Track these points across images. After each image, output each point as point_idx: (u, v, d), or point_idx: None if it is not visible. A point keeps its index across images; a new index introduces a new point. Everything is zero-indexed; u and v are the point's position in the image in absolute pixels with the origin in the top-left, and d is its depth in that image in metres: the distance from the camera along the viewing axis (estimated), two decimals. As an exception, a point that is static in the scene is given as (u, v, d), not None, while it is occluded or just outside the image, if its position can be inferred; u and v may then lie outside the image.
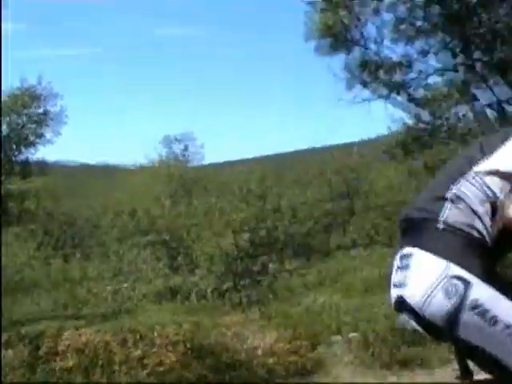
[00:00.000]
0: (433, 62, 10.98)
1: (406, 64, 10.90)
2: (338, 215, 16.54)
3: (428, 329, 1.96)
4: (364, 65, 10.83)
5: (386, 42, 10.87)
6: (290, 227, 15.18)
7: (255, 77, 72.12)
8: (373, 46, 10.94)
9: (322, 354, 8.04)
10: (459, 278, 1.87)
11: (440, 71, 10.96)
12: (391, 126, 11.37)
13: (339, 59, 11.06)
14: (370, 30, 10.99)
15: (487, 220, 1.94)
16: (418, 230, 2.02)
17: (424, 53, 10.85)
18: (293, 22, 58.00)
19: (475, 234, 1.92)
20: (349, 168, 19.38)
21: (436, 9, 10.54)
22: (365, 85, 10.89)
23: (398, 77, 10.79)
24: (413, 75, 10.94)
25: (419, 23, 10.61)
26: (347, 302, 10.10)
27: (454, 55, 10.65)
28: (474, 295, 1.85)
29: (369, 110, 10.81)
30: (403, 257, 2.05)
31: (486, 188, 1.96)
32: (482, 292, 1.86)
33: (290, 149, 35.57)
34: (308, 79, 59.85)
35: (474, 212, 1.94)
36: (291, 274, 13.48)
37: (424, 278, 1.92)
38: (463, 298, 1.86)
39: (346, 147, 25.11)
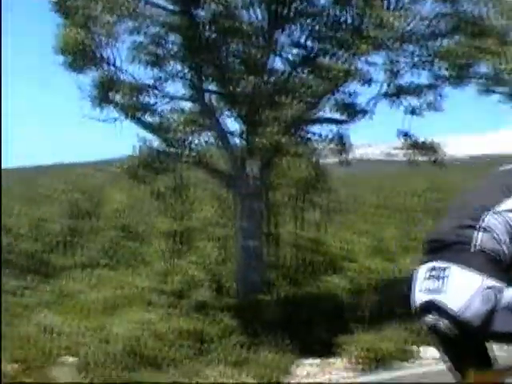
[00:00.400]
0: (175, 88, 11.32)
1: (147, 88, 11.06)
2: (71, 235, 16.04)
3: (461, 326, 2.58)
4: (103, 85, 10.78)
5: (130, 65, 10.94)
6: (21, 245, 14.39)
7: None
8: (113, 67, 10.94)
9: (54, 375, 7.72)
10: (493, 287, 2.54)
11: (182, 98, 11.36)
12: (134, 146, 11.36)
13: (88, 76, 10.89)
14: (115, 51, 10.99)
15: (508, 246, 2.65)
16: (452, 250, 2.67)
17: (165, 79, 11.12)
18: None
19: (499, 256, 2.63)
20: (88, 187, 18.99)
21: (177, 38, 10.90)
22: (105, 104, 10.84)
23: (136, 100, 10.89)
24: (153, 99, 11.14)
25: (160, 50, 10.86)
26: (75, 324, 9.80)
27: (194, 84, 11.12)
28: (504, 298, 2.54)
29: (115, 128, 10.79)
30: (435, 269, 2.67)
31: (508, 222, 2.66)
32: (509, 294, 2.55)
33: (34, 163, 33.66)
34: (59, 92, 57.69)
35: (499, 240, 2.64)
36: (17, 293, 12.67)
37: (464, 287, 2.56)
38: (497, 302, 2.53)
39: (90, 165, 24.54)
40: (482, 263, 2.58)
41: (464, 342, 2.71)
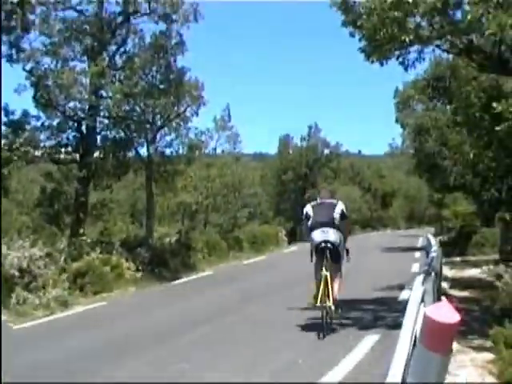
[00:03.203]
0: None
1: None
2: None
3: (334, 246, 9.13)
4: None
5: None
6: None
7: None
8: None
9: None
10: (340, 235, 9.35)
11: None
12: None
13: None
14: None
15: (339, 219, 9.30)
16: (329, 224, 9.22)
17: None
18: None
19: (335, 221, 9.29)
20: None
21: None
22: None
23: None
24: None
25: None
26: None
27: None
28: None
29: None
30: (323, 230, 9.12)
31: (342, 211, 9.43)
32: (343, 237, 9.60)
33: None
34: None
35: (338, 219, 9.29)
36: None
37: (334, 234, 9.22)
38: (341, 238, 9.33)
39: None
40: (339, 229, 9.15)
41: (331, 252, 8.96)
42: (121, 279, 15.89)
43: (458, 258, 23.46)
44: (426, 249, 22.94)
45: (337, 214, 9.18)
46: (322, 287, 8.80)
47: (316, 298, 8.90)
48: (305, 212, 9.44)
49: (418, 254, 24.16)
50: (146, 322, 10.74)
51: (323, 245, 8.98)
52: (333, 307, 8.87)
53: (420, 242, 32.05)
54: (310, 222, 9.26)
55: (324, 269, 8.85)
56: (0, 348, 6.10)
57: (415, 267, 18.27)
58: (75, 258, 15.63)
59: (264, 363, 7.23)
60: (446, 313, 3.04)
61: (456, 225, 31.89)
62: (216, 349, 8.17)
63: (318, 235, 9.07)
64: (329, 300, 8.78)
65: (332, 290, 8.87)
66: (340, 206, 9.31)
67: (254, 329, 9.53)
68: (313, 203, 9.56)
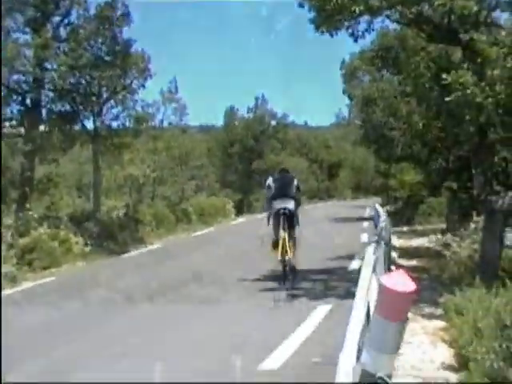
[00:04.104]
0: None
1: None
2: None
3: (290, 212, 10.94)
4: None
5: None
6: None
7: None
8: None
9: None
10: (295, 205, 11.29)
11: None
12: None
13: None
14: None
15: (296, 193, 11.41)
16: (287, 196, 11.02)
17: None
18: None
19: (295, 197, 11.37)
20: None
21: None
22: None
23: None
24: None
25: None
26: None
27: None
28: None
29: None
30: (283, 200, 10.90)
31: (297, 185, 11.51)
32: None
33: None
34: None
35: (295, 190, 11.35)
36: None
37: (290, 203, 11.00)
38: (296, 205, 11.22)
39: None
40: (294, 199, 10.97)
41: (288, 216, 10.75)
42: (69, 254, 15.71)
43: (405, 228, 23.92)
44: (373, 219, 23.36)
45: (293, 187, 11.16)
46: (281, 245, 10.55)
47: (275, 248, 10.74)
48: (267, 184, 11.43)
49: (365, 224, 24.56)
50: (95, 297, 10.59)
51: (282, 211, 10.84)
52: (292, 260, 10.68)
53: (367, 212, 32.57)
54: (272, 193, 11.14)
55: (282, 230, 10.69)
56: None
57: (364, 237, 18.57)
58: (22, 233, 15.36)
59: (218, 336, 7.23)
60: (402, 282, 3.05)
61: (403, 195, 32.38)
62: (171, 322, 8.14)
63: (278, 203, 10.94)
64: (288, 254, 10.59)
65: (290, 247, 10.67)
66: (296, 181, 11.44)
67: (209, 300, 9.51)
68: (275, 176, 11.54)
